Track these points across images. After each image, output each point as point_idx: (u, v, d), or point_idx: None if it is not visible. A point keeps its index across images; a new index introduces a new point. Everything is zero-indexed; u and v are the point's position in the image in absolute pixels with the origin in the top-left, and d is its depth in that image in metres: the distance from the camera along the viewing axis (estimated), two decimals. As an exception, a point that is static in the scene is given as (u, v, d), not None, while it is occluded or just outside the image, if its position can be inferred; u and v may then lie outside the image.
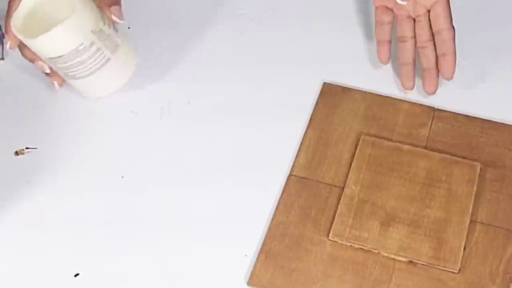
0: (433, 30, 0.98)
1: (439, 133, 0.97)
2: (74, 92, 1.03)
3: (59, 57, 0.94)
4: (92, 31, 0.93)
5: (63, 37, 0.92)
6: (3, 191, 0.95)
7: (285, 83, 1.03)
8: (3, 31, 1.00)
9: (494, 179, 0.94)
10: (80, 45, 0.93)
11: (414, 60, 1.00)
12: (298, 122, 0.99)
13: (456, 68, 0.98)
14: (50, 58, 0.94)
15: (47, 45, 0.93)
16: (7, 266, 0.90)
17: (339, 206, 0.92)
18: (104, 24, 0.95)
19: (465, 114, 0.99)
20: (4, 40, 1.04)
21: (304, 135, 0.98)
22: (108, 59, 0.96)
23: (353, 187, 0.93)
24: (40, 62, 0.97)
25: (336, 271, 0.88)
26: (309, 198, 0.93)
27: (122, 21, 0.96)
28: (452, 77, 0.98)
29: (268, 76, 1.04)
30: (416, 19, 0.99)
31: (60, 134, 1.00)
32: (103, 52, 0.95)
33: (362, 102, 1.00)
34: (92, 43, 0.94)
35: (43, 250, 0.91)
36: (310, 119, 0.99)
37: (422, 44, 0.99)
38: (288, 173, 0.95)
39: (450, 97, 1.01)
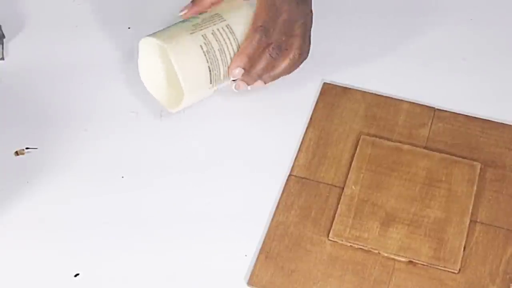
0: None
1: (439, 133, 0.97)
2: (74, 92, 1.03)
3: None
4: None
5: None
6: (3, 191, 0.95)
7: (285, 83, 1.03)
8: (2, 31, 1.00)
9: (494, 179, 0.94)
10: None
11: None
12: (298, 122, 0.99)
13: (456, 68, 0.99)
14: None
15: None
16: (7, 266, 0.90)
17: (339, 206, 0.92)
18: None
19: (465, 114, 0.99)
20: (4, 40, 1.04)
21: (304, 135, 0.98)
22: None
23: (353, 187, 0.93)
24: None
25: (336, 271, 0.88)
26: (309, 198, 0.93)
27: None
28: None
29: (268, 76, 1.04)
30: None
31: (60, 134, 1.00)
32: None
33: (362, 102, 1.00)
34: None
35: (43, 250, 0.91)
36: (310, 119, 0.99)
37: None
38: (288, 173, 0.95)
39: (450, 97, 1.01)
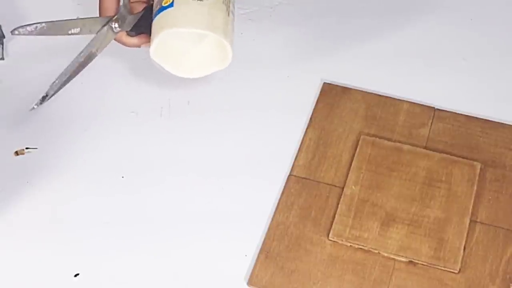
0: None
1: (439, 133, 0.97)
2: (74, 92, 1.03)
3: None
4: None
5: None
6: (3, 191, 0.95)
7: (285, 83, 1.03)
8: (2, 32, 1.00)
9: (494, 179, 0.94)
10: None
11: None
12: (298, 122, 1.00)
13: (456, 68, 0.99)
14: None
15: None
16: (7, 266, 0.90)
17: (339, 206, 0.92)
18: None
19: (465, 114, 0.99)
20: (4, 40, 1.04)
21: (304, 135, 0.98)
22: None
23: (353, 187, 0.93)
24: None
25: (336, 271, 0.88)
26: (309, 198, 0.93)
27: None
28: None
29: (268, 76, 1.04)
30: None
31: (60, 134, 1.00)
32: None
33: (362, 102, 1.00)
34: None
35: (43, 250, 0.91)
36: (310, 119, 0.99)
37: None
38: (288, 173, 0.95)
39: (450, 97, 1.01)
